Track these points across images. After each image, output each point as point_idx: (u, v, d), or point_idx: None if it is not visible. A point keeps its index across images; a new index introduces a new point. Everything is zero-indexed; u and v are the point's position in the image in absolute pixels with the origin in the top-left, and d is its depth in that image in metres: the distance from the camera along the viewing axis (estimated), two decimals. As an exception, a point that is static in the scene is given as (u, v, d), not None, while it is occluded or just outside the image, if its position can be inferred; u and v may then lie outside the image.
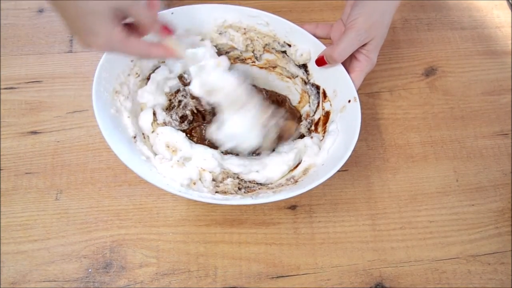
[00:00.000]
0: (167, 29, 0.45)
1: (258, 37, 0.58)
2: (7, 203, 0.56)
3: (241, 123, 0.53)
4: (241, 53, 0.60)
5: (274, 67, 0.61)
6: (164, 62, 0.57)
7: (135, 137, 0.51)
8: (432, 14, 0.74)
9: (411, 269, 0.55)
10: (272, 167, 0.54)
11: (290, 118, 0.60)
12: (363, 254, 0.55)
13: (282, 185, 0.52)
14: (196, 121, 0.58)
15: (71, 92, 0.63)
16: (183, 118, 0.57)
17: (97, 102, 0.47)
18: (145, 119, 0.53)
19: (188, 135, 0.56)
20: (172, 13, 0.54)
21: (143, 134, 0.53)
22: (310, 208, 0.57)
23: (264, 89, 0.62)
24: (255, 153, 0.56)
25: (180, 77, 0.58)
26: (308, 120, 0.59)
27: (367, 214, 0.57)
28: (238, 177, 0.53)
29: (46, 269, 0.52)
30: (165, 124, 0.55)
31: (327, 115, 0.56)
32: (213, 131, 0.54)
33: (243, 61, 0.62)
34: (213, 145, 0.54)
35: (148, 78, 0.55)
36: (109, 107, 0.49)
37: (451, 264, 0.55)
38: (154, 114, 0.54)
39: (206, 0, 0.57)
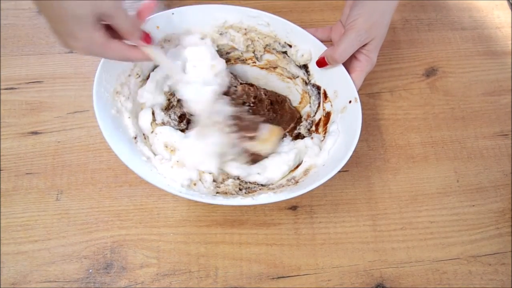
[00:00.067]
0: (147, 38, 0.45)
1: (258, 38, 0.58)
2: (8, 204, 0.56)
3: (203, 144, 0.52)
4: (241, 53, 0.60)
5: (275, 68, 0.61)
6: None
7: (135, 137, 0.51)
8: (432, 15, 0.74)
9: (412, 269, 0.55)
10: (273, 168, 0.53)
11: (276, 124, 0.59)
12: (363, 255, 0.55)
13: (283, 186, 0.52)
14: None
15: (71, 92, 0.63)
16: (181, 117, 0.57)
17: (98, 102, 0.47)
18: (144, 119, 0.53)
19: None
20: (172, 14, 0.54)
21: (143, 134, 0.53)
22: (310, 209, 0.57)
23: (264, 89, 0.62)
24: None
25: None
26: (308, 121, 0.59)
27: (367, 214, 0.57)
28: (238, 178, 0.53)
29: (47, 270, 0.52)
30: (163, 124, 0.55)
31: (327, 115, 0.56)
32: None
33: (244, 61, 0.62)
34: None
35: (148, 78, 0.55)
36: (110, 108, 0.49)
37: (452, 265, 0.55)
38: (153, 114, 0.54)
39: (206, 0, 0.57)
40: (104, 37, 0.41)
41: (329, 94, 0.56)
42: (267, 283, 0.53)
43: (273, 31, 0.57)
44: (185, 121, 0.57)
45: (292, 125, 0.60)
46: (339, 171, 0.46)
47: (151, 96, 0.54)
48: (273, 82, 0.63)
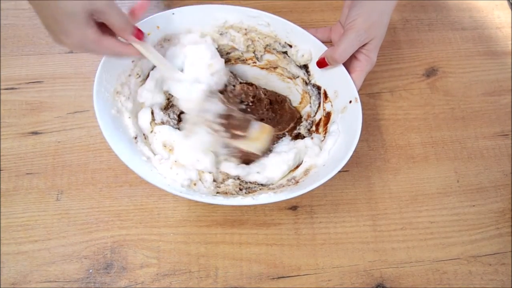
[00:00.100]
0: (139, 34, 0.46)
1: (259, 38, 0.58)
2: (8, 204, 0.56)
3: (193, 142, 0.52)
4: (242, 53, 0.60)
5: (275, 68, 0.61)
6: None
7: (136, 137, 0.51)
8: (432, 15, 0.74)
9: (412, 269, 0.55)
10: (272, 167, 0.53)
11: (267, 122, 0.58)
12: (364, 255, 0.55)
13: (283, 186, 0.52)
14: None
15: (72, 92, 0.63)
16: (181, 116, 0.57)
17: (98, 102, 0.47)
18: (144, 118, 0.53)
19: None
20: (173, 14, 0.54)
21: (143, 134, 0.53)
22: (311, 209, 0.57)
23: (264, 89, 0.62)
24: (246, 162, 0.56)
25: None
26: (309, 121, 0.59)
27: (368, 214, 0.57)
28: (239, 178, 0.53)
29: (47, 270, 0.52)
30: (163, 123, 0.55)
31: (328, 115, 0.56)
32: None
33: (244, 61, 0.62)
34: None
35: (148, 77, 0.55)
36: (110, 108, 0.49)
37: (452, 265, 0.55)
38: (152, 113, 0.54)
39: (206, 0, 0.57)
40: (96, 33, 0.42)
41: (329, 94, 0.56)
42: (267, 283, 0.53)
43: (273, 31, 0.57)
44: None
45: (291, 125, 0.60)
46: (339, 171, 0.46)
47: (151, 95, 0.54)
48: (273, 82, 0.63)
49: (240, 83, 0.61)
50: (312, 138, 0.55)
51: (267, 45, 0.59)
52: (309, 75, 0.58)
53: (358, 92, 0.52)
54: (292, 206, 0.57)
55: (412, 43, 0.71)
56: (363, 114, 0.50)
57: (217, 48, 0.57)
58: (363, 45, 0.52)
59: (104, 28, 0.43)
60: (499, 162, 0.62)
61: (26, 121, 0.61)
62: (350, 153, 0.47)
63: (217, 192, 0.51)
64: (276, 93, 0.63)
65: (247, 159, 0.54)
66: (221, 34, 0.57)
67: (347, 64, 0.53)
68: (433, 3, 0.75)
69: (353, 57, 0.53)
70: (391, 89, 0.67)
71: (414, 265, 0.55)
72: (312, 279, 0.53)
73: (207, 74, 0.54)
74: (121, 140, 0.48)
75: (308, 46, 0.56)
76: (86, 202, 0.56)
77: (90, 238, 0.54)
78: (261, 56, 0.60)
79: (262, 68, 0.62)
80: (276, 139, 0.58)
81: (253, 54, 0.60)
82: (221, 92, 0.56)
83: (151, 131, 0.53)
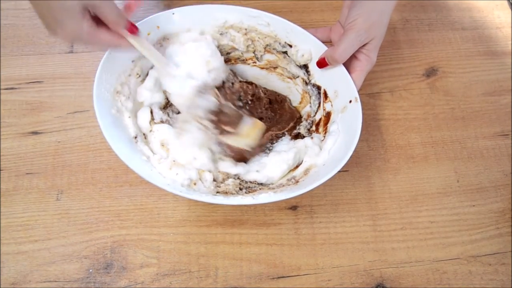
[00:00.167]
0: (132, 28, 0.46)
1: (259, 38, 0.58)
2: (8, 204, 0.56)
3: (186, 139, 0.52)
4: (242, 53, 0.60)
5: (275, 68, 0.61)
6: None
7: (136, 137, 0.51)
8: (432, 15, 0.74)
9: (412, 269, 0.55)
10: (272, 166, 0.53)
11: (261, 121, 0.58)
12: (363, 255, 0.55)
13: (283, 185, 0.52)
14: None
15: (72, 92, 0.63)
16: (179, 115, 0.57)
17: (98, 102, 0.47)
18: (143, 118, 0.53)
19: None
20: (173, 14, 0.54)
21: (143, 134, 0.53)
22: (311, 209, 0.57)
23: (264, 88, 0.62)
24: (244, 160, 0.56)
25: None
26: (309, 121, 0.59)
27: (368, 214, 0.57)
28: (239, 178, 0.53)
29: (47, 270, 0.52)
30: (162, 122, 0.55)
31: (328, 115, 0.56)
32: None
33: (244, 61, 0.62)
34: None
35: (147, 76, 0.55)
36: (110, 108, 0.49)
37: (452, 265, 0.55)
38: (152, 113, 0.54)
39: (206, 0, 0.57)
40: (91, 26, 0.43)
41: (329, 94, 0.56)
42: (267, 283, 0.53)
43: (273, 31, 0.57)
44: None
45: (291, 124, 0.60)
46: (339, 171, 0.46)
47: (150, 94, 0.54)
48: (274, 82, 0.63)
49: (240, 81, 0.61)
50: (312, 137, 0.55)
51: (267, 45, 0.59)
52: (309, 75, 0.58)
53: (358, 92, 0.52)
54: (292, 206, 0.57)
55: (412, 43, 0.71)
56: (363, 114, 0.50)
57: (217, 47, 0.57)
58: (363, 45, 0.52)
59: (99, 21, 0.44)
60: (499, 162, 0.62)
61: (26, 121, 0.61)
62: (350, 153, 0.47)
63: (217, 192, 0.51)
64: (276, 92, 0.63)
65: (242, 157, 0.54)
66: (221, 34, 0.57)
67: (347, 64, 0.53)
68: (433, 3, 0.75)
69: (353, 57, 0.53)
70: (391, 89, 0.67)
71: (414, 265, 0.55)
72: (312, 279, 0.53)
73: (203, 70, 0.54)
74: (121, 140, 0.48)
75: (308, 46, 0.56)
76: (86, 202, 0.56)
77: (90, 238, 0.54)
78: (261, 56, 0.60)
79: (262, 68, 0.62)
80: (276, 138, 0.58)
81: (253, 54, 0.60)
82: (218, 88, 0.56)
83: (150, 131, 0.53)
